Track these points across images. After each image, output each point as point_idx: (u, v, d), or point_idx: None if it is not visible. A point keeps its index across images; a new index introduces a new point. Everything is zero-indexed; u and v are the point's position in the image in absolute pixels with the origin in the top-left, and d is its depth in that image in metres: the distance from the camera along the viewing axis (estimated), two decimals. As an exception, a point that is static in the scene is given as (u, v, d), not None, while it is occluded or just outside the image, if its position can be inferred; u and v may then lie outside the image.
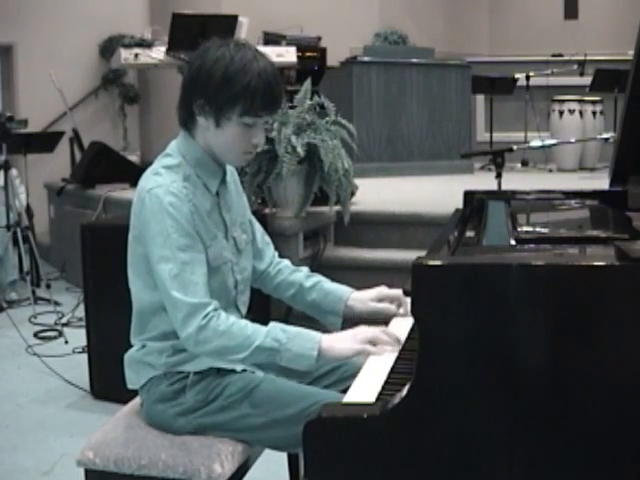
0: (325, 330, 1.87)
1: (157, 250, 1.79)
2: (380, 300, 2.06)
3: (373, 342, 1.80)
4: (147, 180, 1.86)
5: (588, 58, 8.25)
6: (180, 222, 1.79)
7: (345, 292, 2.07)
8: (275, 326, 1.80)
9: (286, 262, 2.16)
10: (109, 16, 8.24)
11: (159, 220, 1.79)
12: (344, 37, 7.99)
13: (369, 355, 1.79)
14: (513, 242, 1.65)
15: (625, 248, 1.37)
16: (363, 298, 2.05)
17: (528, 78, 8.37)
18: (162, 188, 1.81)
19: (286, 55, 6.45)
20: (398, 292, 2.07)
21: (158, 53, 6.07)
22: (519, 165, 8.17)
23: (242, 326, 1.79)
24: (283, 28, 7.58)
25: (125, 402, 2.10)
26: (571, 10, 10.03)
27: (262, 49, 1.91)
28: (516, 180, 5.99)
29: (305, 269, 2.14)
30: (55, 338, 4.69)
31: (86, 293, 3.73)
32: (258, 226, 2.13)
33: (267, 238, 2.16)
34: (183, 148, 1.90)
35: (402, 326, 1.93)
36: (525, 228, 1.84)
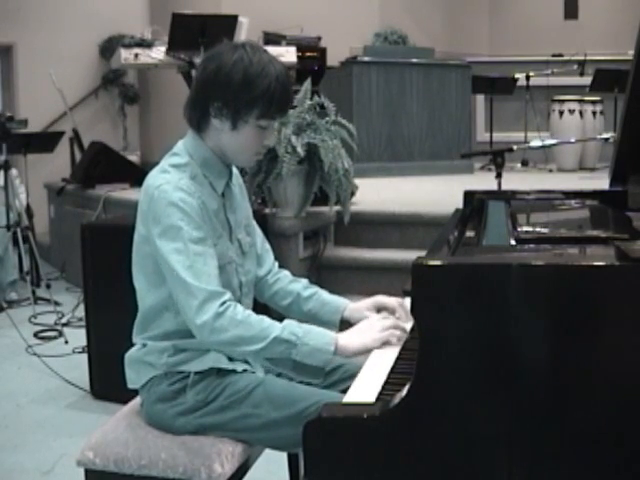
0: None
1: (168, 244, 1.79)
2: (378, 309, 2.05)
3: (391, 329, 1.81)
4: (155, 178, 1.86)
5: (588, 58, 8.25)
6: (191, 215, 1.80)
7: (342, 303, 2.07)
8: (291, 321, 1.81)
9: (285, 272, 2.15)
10: (109, 16, 8.24)
11: (169, 214, 1.79)
12: (344, 37, 7.99)
13: (369, 355, 1.79)
14: (513, 242, 1.65)
15: (625, 248, 1.38)
16: (359, 308, 2.05)
17: (528, 78, 8.37)
18: (171, 184, 1.81)
19: (286, 55, 6.45)
20: (394, 302, 2.04)
21: (158, 53, 6.07)
22: (519, 165, 8.17)
23: (259, 318, 1.79)
24: (283, 28, 7.57)
25: (125, 402, 2.10)
26: (571, 10, 10.03)
27: (262, 49, 1.92)
28: (516, 180, 5.99)
29: (304, 280, 2.13)
30: (55, 338, 4.69)
31: (86, 293, 3.73)
32: (259, 232, 2.14)
33: (267, 245, 2.16)
34: (191, 148, 1.91)
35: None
36: (525, 228, 1.84)
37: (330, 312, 2.05)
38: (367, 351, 1.81)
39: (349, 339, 1.81)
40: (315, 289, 2.10)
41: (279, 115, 1.87)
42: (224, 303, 1.76)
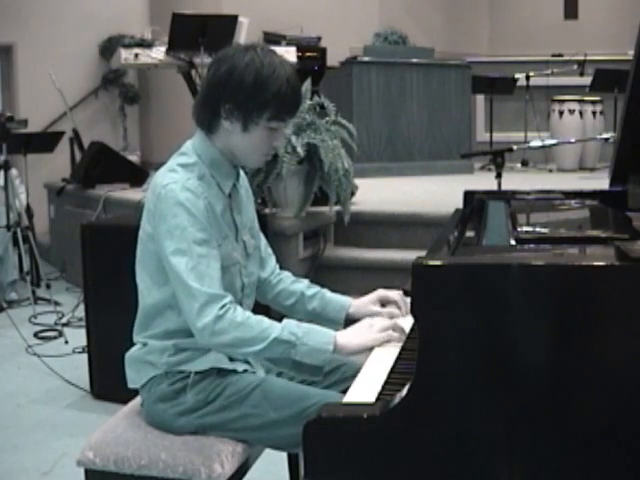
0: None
1: (173, 243, 1.80)
2: (382, 303, 2.07)
3: (390, 330, 1.84)
4: (163, 176, 1.87)
5: (588, 58, 8.26)
6: (196, 216, 1.81)
7: (346, 300, 2.09)
8: (289, 321, 1.82)
9: (287, 273, 2.17)
10: (109, 16, 8.24)
11: (175, 214, 1.80)
12: (344, 37, 7.98)
13: (369, 355, 1.79)
14: (513, 242, 1.65)
15: (625, 248, 1.38)
16: (364, 303, 2.07)
17: (528, 78, 8.37)
18: (178, 184, 1.83)
19: (286, 55, 6.32)
20: (397, 295, 2.07)
21: (158, 53, 6.07)
22: (519, 165, 8.17)
23: (259, 319, 1.80)
24: (283, 28, 7.57)
25: (125, 402, 2.10)
26: (571, 10, 10.02)
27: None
28: (516, 180, 5.99)
29: (306, 281, 2.15)
30: (55, 338, 4.69)
31: (86, 293, 3.73)
32: (262, 236, 2.15)
33: (269, 250, 2.18)
34: (199, 148, 1.92)
35: (404, 325, 1.93)
36: (525, 228, 1.83)
37: (335, 310, 2.07)
38: (366, 350, 1.83)
39: (348, 338, 1.82)
40: (318, 288, 2.12)
41: (289, 117, 1.88)
42: (224, 306, 1.77)
